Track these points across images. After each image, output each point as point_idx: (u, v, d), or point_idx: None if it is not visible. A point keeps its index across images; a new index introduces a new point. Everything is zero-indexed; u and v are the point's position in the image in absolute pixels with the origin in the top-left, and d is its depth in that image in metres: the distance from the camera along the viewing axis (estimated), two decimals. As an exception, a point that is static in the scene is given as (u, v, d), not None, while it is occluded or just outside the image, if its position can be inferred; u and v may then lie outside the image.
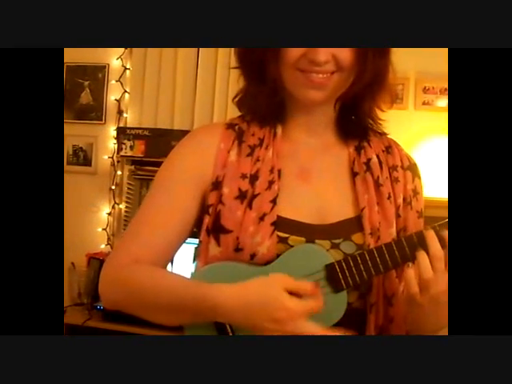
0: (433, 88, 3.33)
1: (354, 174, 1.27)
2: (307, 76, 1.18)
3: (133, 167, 3.59)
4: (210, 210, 1.21)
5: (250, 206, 1.19)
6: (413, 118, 3.36)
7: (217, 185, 1.22)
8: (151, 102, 3.64)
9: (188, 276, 1.23)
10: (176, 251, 1.26)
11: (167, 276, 1.22)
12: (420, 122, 3.34)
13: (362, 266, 1.12)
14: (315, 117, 1.28)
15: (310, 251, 1.16)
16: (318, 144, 1.30)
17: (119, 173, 3.71)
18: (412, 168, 1.33)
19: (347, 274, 1.12)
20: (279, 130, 1.28)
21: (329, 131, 1.31)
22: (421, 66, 3.33)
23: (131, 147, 3.52)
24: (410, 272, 1.09)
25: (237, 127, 1.28)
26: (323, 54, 1.15)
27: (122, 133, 3.56)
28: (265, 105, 1.26)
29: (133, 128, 3.58)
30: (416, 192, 1.31)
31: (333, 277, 1.13)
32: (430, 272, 1.08)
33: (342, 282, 1.12)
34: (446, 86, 3.27)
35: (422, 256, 1.09)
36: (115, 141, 3.63)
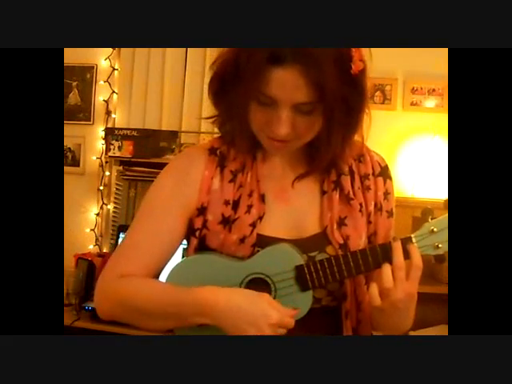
0: (421, 88, 3.34)
1: (322, 193, 1.32)
2: (269, 140, 1.22)
3: (121, 168, 3.57)
4: (197, 233, 1.29)
5: (229, 229, 1.26)
6: (401, 118, 3.37)
7: (202, 211, 1.29)
8: (139, 102, 3.63)
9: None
10: (164, 267, 1.31)
11: (157, 283, 1.28)
12: (408, 123, 3.35)
13: (328, 269, 1.22)
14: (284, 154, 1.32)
15: (284, 252, 1.24)
16: (293, 166, 1.34)
17: (107, 173, 3.69)
18: (383, 173, 1.37)
19: (314, 276, 1.23)
20: (259, 154, 1.32)
21: (301, 161, 1.34)
22: (409, 67, 3.34)
23: (119, 148, 3.50)
24: (374, 288, 1.18)
25: (218, 152, 1.33)
26: (285, 127, 1.16)
27: (110, 133, 3.53)
28: (243, 142, 1.29)
29: (121, 128, 3.55)
30: (387, 193, 1.36)
31: (301, 277, 1.23)
32: (390, 282, 1.17)
33: (309, 282, 1.23)
34: (434, 86, 3.30)
35: (385, 267, 1.19)
36: (103, 141, 3.61)
